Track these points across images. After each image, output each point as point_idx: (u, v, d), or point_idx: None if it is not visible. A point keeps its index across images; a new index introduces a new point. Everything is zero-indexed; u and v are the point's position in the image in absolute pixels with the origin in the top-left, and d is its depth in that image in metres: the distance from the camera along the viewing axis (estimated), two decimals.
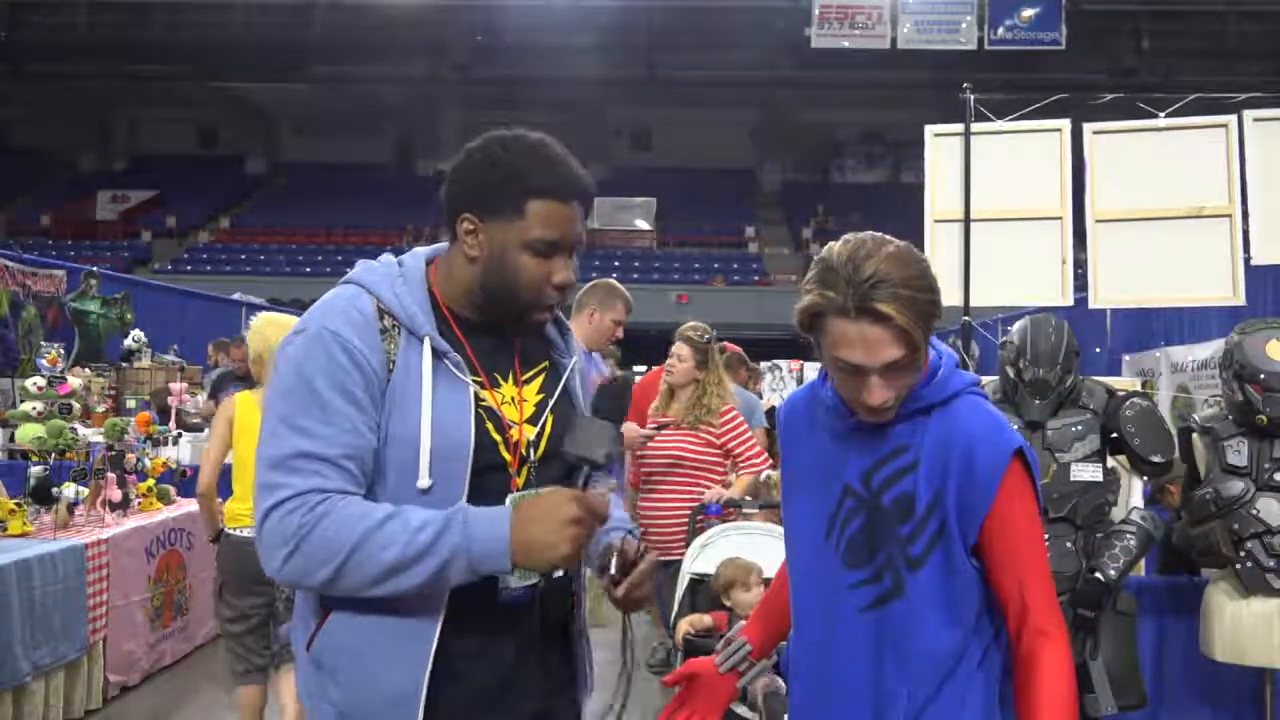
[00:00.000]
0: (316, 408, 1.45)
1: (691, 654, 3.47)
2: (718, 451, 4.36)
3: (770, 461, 4.62)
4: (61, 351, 5.29)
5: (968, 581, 1.52)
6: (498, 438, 1.55)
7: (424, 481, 1.48)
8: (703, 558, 3.68)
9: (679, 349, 4.42)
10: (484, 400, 1.55)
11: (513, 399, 1.60)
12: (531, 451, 1.58)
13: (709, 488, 4.31)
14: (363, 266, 1.62)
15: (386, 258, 1.64)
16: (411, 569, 1.41)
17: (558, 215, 1.54)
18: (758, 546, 3.62)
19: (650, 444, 4.43)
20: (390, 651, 1.48)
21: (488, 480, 1.52)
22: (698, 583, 3.66)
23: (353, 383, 1.47)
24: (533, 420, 1.61)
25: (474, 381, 1.55)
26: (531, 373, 1.65)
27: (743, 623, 1.88)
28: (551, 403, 1.64)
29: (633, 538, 1.63)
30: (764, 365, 11.86)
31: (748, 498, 4.17)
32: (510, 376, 1.62)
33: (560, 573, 1.59)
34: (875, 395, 1.47)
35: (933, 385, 1.54)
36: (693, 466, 4.34)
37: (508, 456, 1.55)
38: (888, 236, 1.51)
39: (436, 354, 1.52)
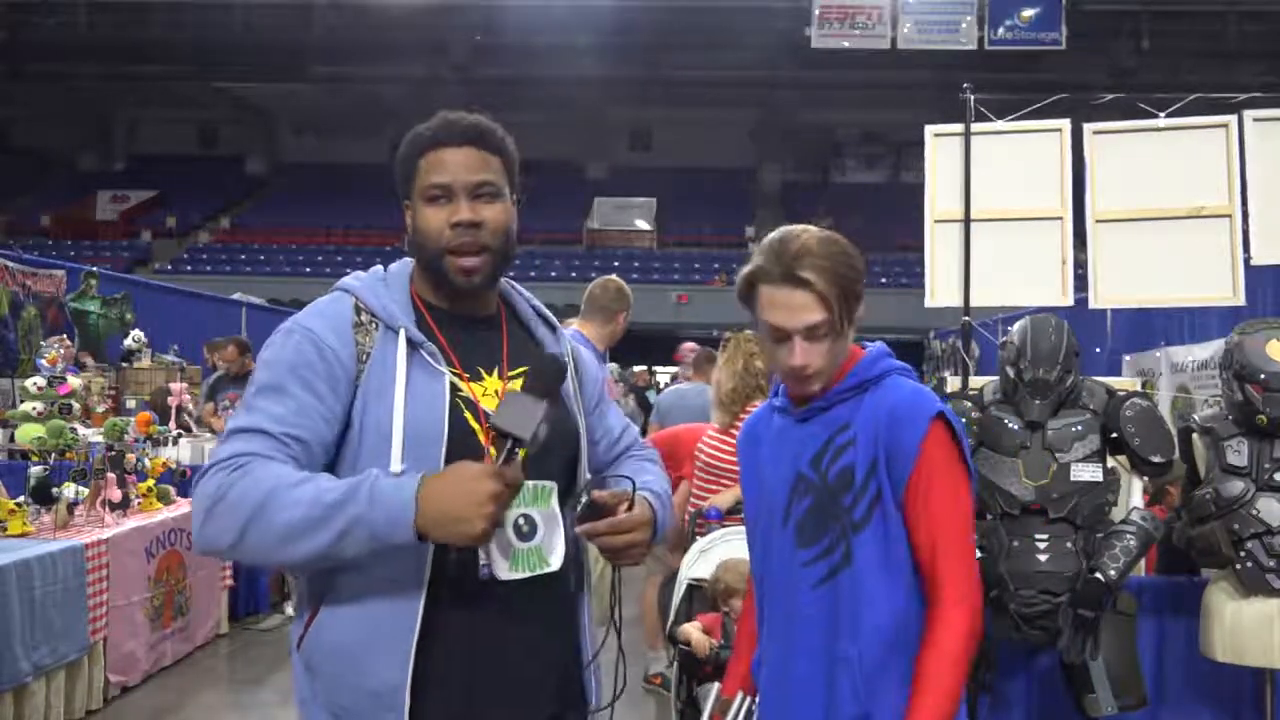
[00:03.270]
0: (274, 392, 1.52)
1: (687, 664, 3.45)
2: None
3: None
4: (62, 352, 5.29)
5: (905, 547, 1.64)
6: (476, 426, 1.56)
7: (396, 466, 1.49)
8: (701, 562, 3.64)
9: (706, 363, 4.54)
10: (462, 391, 1.58)
11: (496, 392, 1.61)
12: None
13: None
14: (352, 275, 1.70)
15: (376, 268, 1.71)
16: (311, 532, 1.40)
17: (443, 160, 1.60)
18: None
19: (706, 445, 4.44)
20: (372, 646, 1.49)
21: None
22: (695, 589, 3.62)
23: (313, 373, 1.52)
24: None
25: (451, 372, 1.57)
26: (519, 370, 1.65)
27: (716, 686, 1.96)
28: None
29: (630, 489, 1.62)
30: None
31: None
32: (495, 371, 1.64)
33: (554, 567, 1.59)
34: (797, 356, 1.63)
35: (864, 364, 1.71)
36: (720, 471, 4.33)
37: (492, 450, 1.54)
38: (814, 228, 1.72)
39: (412, 345, 1.57)
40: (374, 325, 1.58)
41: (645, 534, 1.62)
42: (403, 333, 1.57)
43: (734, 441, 4.35)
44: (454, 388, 1.56)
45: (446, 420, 1.53)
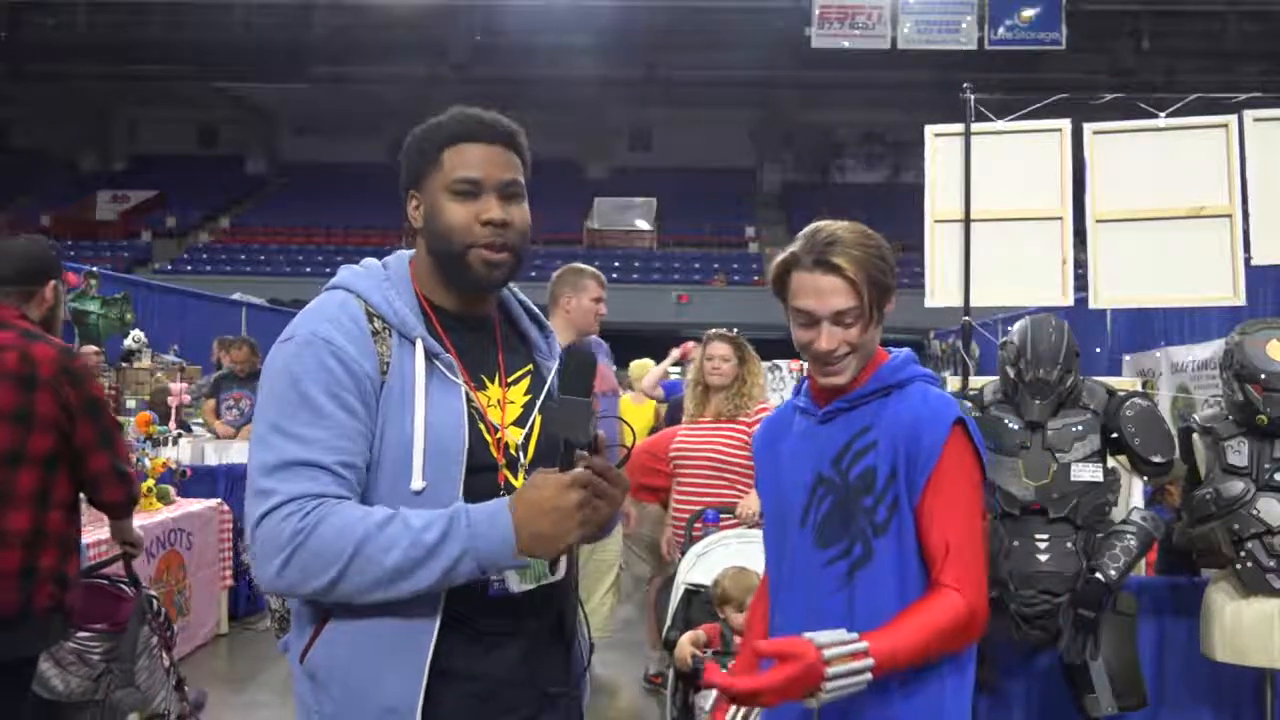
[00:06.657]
0: (309, 413, 1.45)
1: (682, 671, 3.41)
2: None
3: None
4: None
5: (918, 554, 1.67)
6: (489, 438, 1.56)
7: (418, 484, 1.47)
8: (699, 567, 3.60)
9: (719, 349, 4.43)
10: (474, 401, 1.56)
11: (498, 401, 1.60)
12: (521, 454, 1.59)
13: (744, 490, 4.29)
14: (347, 271, 1.62)
15: (370, 261, 1.65)
16: (417, 572, 1.40)
17: (474, 155, 1.56)
18: (757, 556, 3.56)
19: (687, 442, 4.43)
20: (385, 661, 1.47)
21: (477, 481, 1.52)
22: (693, 594, 3.58)
23: (345, 389, 1.46)
24: (519, 423, 1.61)
25: (463, 382, 1.55)
26: (517, 374, 1.65)
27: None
28: (539, 405, 1.64)
29: (629, 443, 1.65)
30: (764, 365, 11.89)
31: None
32: (496, 378, 1.62)
33: (559, 575, 1.59)
34: (824, 340, 1.68)
35: (889, 368, 1.75)
36: (728, 468, 4.33)
37: (499, 458, 1.56)
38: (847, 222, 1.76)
39: (429, 355, 1.53)
40: (388, 332, 1.53)
41: (620, 502, 1.51)
42: (419, 343, 1.52)
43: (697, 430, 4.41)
44: (466, 397, 1.54)
45: (466, 433, 1.52)
